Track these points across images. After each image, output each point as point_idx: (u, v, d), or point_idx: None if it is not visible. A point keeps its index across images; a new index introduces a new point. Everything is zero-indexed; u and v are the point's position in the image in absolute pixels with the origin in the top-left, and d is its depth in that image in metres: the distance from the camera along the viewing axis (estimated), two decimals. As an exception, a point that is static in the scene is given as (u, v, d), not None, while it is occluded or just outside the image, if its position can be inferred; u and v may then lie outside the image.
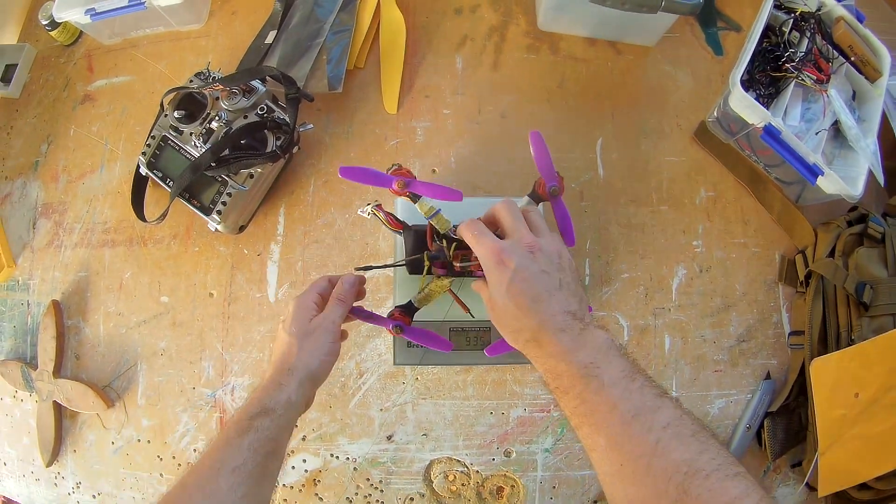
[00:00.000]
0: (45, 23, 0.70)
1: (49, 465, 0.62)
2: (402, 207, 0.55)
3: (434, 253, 0.49)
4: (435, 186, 0.46)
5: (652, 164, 0.64)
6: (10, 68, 0.74)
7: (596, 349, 0.35)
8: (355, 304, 0.47)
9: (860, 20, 0.66)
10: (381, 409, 0.57)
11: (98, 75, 0.70)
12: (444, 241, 0.48)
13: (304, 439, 0.58)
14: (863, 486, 0.54)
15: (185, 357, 0.61)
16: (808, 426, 0.58)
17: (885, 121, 0.67)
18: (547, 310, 0.36)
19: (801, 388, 0.59)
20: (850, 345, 0.56)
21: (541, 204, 0.49)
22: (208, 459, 0.37)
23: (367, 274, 0.56)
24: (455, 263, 0.48)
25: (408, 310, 0.50)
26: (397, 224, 0.50)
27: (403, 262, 0.52)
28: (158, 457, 0.59)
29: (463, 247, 0.48)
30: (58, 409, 0.62)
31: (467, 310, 0.54)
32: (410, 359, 0.55)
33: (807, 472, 0.57)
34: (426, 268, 0.49)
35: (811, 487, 0.57)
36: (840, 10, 0.66)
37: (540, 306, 0.36)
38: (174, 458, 0.59)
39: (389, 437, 0.57)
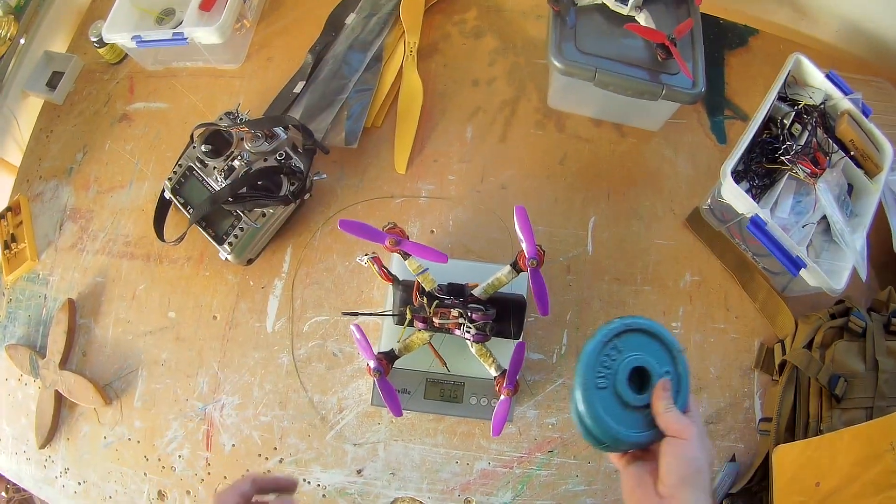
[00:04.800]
0: (94, 39, 0.83)
1: (42, 447, 0.72)
2: (396, 262, 0.65)
3: (416, 307, 0.59)
4: (423, 248, 0.57)
5: (641, 245, 0.73)
6: (56, 75, 0.87)
7: None
8: (359, 323, 0.58)
9: (866, 114, 0.73)
10: (355, 444, 0.67)
11: (138, 97, 0.82)
12: (426, 299, 0.58)
13: (281, 461, 0.68)
14: None
15: (183, 370, 0.72)
16: None
17: (883, 216, 0.75)
18: None
19: (764, 473, 0.64)
20: (818, 435, 0.61)
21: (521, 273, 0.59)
22: None
23: (356, 319, 0.66)
24: (434, 320, 0.58)
25: (389, 357, 0.60)
26: (388, 277, 0.61)
27: (389, 313, 0.63)
28: (145, 457, 0.70)
29: (444, 306, 0.58)
30: (58, 398, 0.72)
31: (444, 363, 0.64)
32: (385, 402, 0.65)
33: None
34: (408, 320, 0.59)
35: None
36: (846, 104, 0.73)
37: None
38: (159, 460, 0.69)
39: (359, 471, 0.67)
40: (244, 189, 0.67)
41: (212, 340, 0.71)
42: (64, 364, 0.74)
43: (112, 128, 0.82)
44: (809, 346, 0.68)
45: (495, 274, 0.60)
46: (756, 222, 0.66)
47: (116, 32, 0.77)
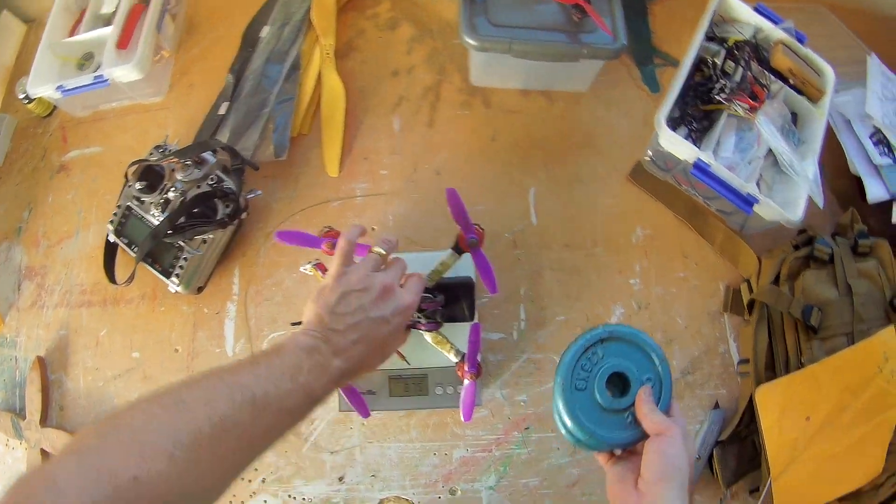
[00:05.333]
0: (21, 96, 0.84)
1: (39, 509, 0.74)
2: None
3: None
4: (361, 246, 0.57)
5: (586, 208, 0.72)
6: (-8, 138, 0.88)
7: None
8: None
9: (801, 41, 0.73)
10: (331, 453, 0.68)
11: (72, 146, 0.83)
12: None
13: (263, 481, 0.68)
14: None
15: (155, 407, 0.72)
16: (761, 451, 0.62)
17: (834, 139, 0.74)
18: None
19: (751, 416, 0.63)
20: (800, 368, 0.61)
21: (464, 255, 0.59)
22: (267, 414, 0.40)
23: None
24: None
25: None
26: None
27: None
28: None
29: None
30: (45, 455, 0.73)
31: (403, 357, 0.64)
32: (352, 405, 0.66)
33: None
34: None
35: None
36: (778, 34, 0.73)
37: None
38: (149, 501, 0.71)
39: (341, 479, 0.67)
40: (182, 219, 0.68)
41: (177, 373, 0.72)
42: (44, 421, 0.75)
43: (52, 180, 0.83)
44: (777, 281, 0.67)
45: (438, 260, 0.60)
46: (699, 166, 0.65)
47: (40, 85, 0.78)
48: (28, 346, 0.79)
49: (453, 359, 0.61)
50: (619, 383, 0.48)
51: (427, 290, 0.60)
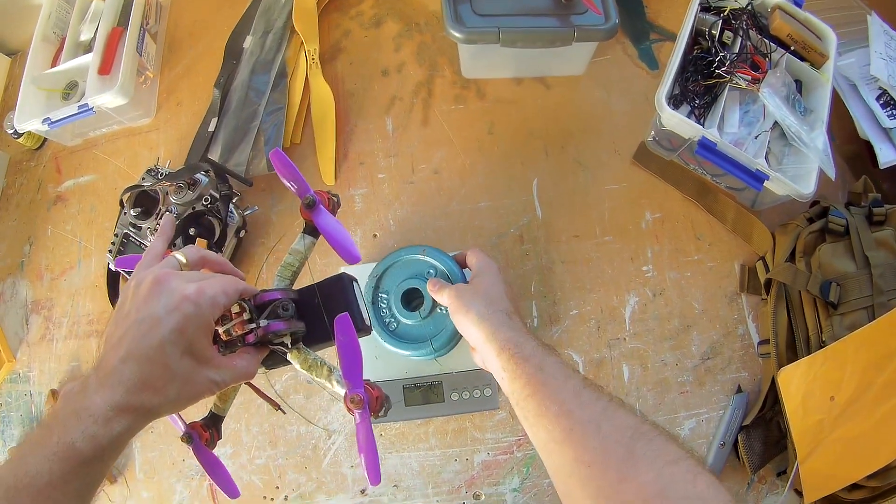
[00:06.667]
0: (10, 132, 0.84)
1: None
2: None
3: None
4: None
5: (592, 196, 0.71)
6: (-12, 175, 0.88)
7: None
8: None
9: (798, 4, 0.71)
10: (351, 466, 0.67)
11: (66, 176, 0.83)
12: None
13: (286, 499, 0.68)
14: (853, 486, 0.58)
15: (171, 432, 0.72)
16: (787, 434, 0.61)
17: (841, 104, 0.72)
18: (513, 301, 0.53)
19: (775, 398, 0.63)
20: (822, 347, 0.60)
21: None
22: (27, 499, 0.32)
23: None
24: (222, 333, 0.40)
25: (212, 420, 0.48)
26: None
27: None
28: (160, 526, 0.71)
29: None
30: None
31: (270, 401, 0.51)
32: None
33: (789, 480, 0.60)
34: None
35: (799, 492, 0.60)
36: None
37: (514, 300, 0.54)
38: (173, 526, 0.71)
39: (363, 491, 0.67)
40: (178, 242, 0.68)
41: (190, 397, 0.72)
42: (64, 453, 0.76)
43: (49, 212, 0.83)
44: (792, 257, 0.66)
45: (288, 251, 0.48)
46: (704, 144, 0.64)
47: (27, 120, 0.78)
48: (41, 381, 0.80)
49: (339, 390, 0.42)
50: (415, 297, 0.61)
51: (264, 302, 0.42)
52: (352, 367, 0.40)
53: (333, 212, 0.47)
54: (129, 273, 0.64)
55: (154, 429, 0.73)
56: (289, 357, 0.44)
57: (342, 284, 0.45)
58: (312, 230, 0.47)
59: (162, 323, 0.36)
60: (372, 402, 0.41)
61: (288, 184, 0.46)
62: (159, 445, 0.73)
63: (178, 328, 0.36)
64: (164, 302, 0.36)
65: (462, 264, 0.60)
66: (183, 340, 0.36)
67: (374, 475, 0.41)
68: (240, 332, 0.40)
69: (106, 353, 0.36)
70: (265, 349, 0.43)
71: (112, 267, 0.73)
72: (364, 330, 0.44)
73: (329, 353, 0.45)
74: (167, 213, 0.68)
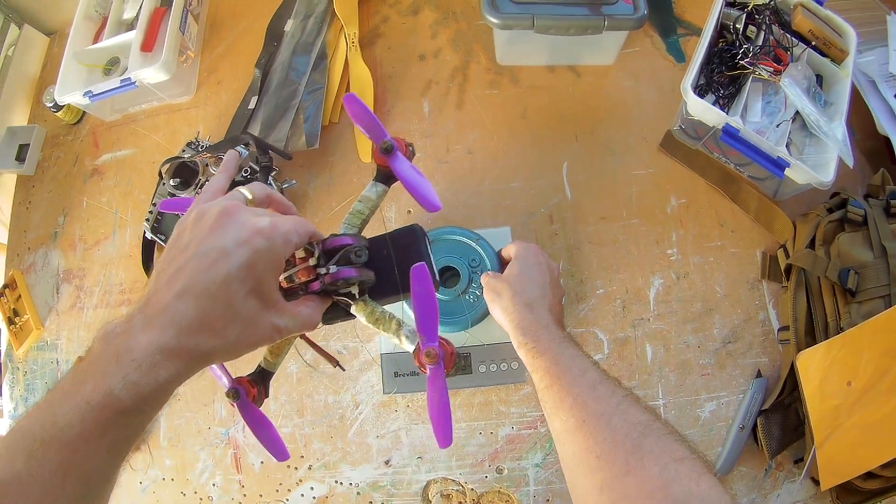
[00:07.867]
0: (49, 105, 0.87)
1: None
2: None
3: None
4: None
5: (620, 180, 0.74)
6: (23, 148, 0.91)
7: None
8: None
9: (820, 2, 0.74)
10: (377, 437, 0.69)
11: (103, 150, 0.86)
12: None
13: (310, 468, 0.70)
14: (868, 476, 0.59)
15: (199, 400, 0.74)
16: (805, 420, 0.63)
17: (861, 101, 0.75)
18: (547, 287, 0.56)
19: (794, 384, 0.64)
20: (840, 333, 0.61)
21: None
22: (52, 453, 0.29)
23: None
24: (283, 280, 0.38)
25: (260, 376, 0.47)
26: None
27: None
28: (182, 493, 0.72)
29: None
30: None
31: (316, 347, 0.52)
32: (398, 387, 0.67)
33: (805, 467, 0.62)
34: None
35: (816, 481, 0.62)
36: None
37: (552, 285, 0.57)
38: (196, 493, 0.72)
39: (387, 462, 0.68)
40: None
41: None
42: (88, 422, 0.78)
43: (85, 185, 0.86)
44: (812, 245, 0.68)
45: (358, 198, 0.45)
46: (728, 131, 0.66)
47: (68, 93, 0.81)
48: (69, 349, 0.82)
49: (407, 345, 0.41)
50: (450, 274, 0.63)
51: (333, 248, 0.39)
52: (428, 319, 0.39)
53: (409, 159, 0.45)
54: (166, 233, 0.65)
55: (181, 395, 0.75)
56: (353, 310, 0.41)
57: (415, 236, 0.42)
58: (385, 177, 0.45)
59: (230, 256, 0.32)
60: (447, 358, 0.39)
61: (362, 129, 0.44)
62: (185, 413, 0.74)
63: (248, 263, 0.32)
64: (234, 234, 0.32)
65: (509, 259, 0.60)
66: (251, 278, 0.32)
67: (445, 437, 0.39)
68: (303, 279, 0.38)
69: (157, 289, 0.32)
70: (329, 299, 0.40)
71: (148, 235, 0.76)
72: (435, 285, 0.41)
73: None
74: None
